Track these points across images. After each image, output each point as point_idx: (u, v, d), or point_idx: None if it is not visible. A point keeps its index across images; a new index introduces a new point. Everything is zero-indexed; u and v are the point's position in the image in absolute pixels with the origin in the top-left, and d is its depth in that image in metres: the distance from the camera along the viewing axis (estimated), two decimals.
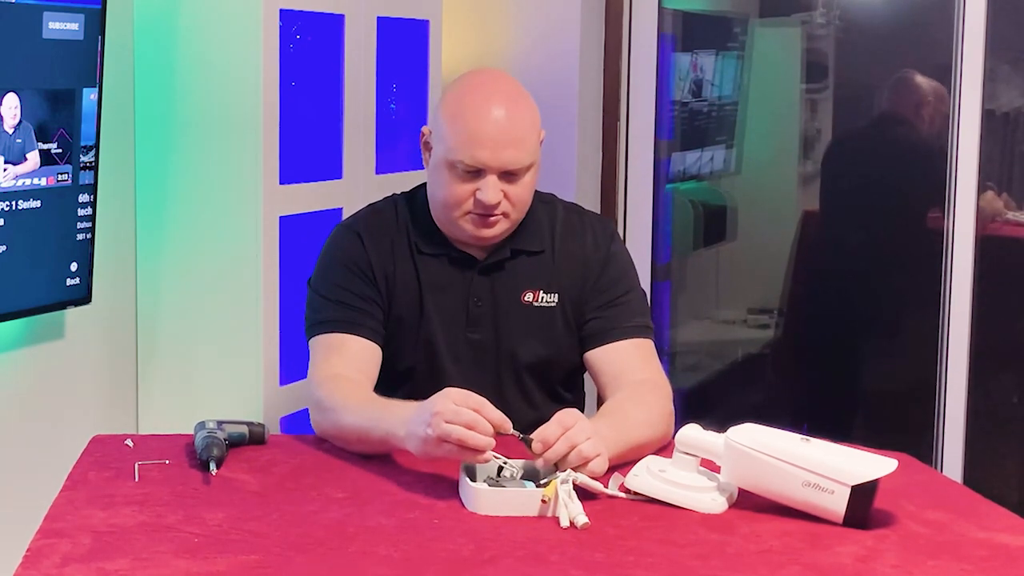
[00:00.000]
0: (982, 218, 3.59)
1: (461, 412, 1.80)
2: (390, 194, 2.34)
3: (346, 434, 2.02)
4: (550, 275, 2.24)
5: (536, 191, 2.28)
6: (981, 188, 3.55)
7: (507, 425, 1.82)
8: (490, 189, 2.11)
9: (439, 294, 2.23)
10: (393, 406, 1.99)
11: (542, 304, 2.23)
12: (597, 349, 2.22)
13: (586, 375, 2.33)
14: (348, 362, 2.15)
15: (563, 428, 1.84)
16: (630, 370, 2.18)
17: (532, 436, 1.84)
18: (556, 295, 2.24)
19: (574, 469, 1.81)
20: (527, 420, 2.15)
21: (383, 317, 2.21)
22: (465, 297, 2.23)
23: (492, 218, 2.15)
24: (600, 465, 1.84)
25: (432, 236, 2.23)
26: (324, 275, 2.25)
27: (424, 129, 2.23)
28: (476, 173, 2.11)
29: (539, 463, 1.84)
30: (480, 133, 2.10)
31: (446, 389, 1.87)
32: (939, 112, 3.83)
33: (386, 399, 2.04)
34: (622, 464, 1.91)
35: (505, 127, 2.10)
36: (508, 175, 2.12)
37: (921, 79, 3.94)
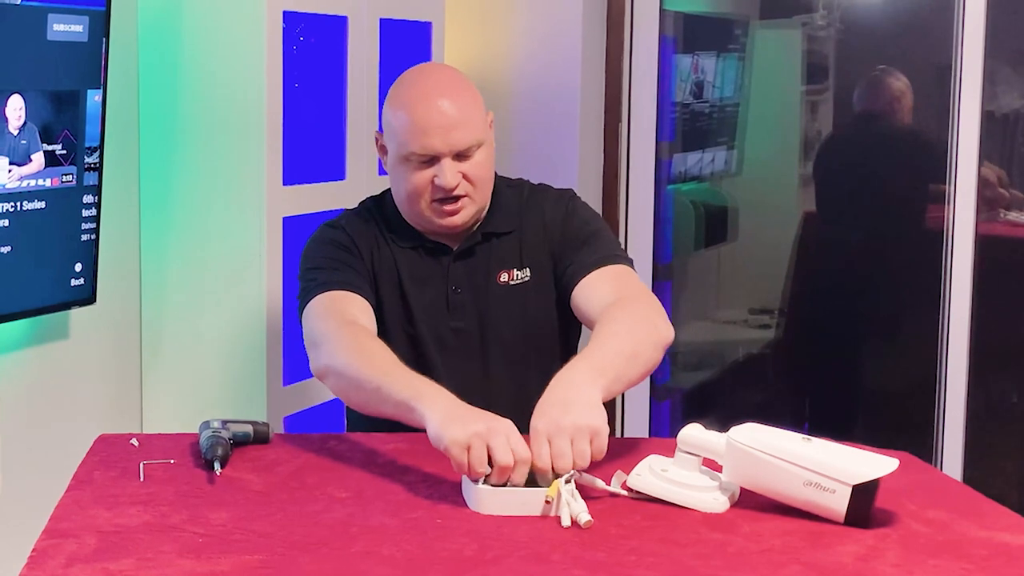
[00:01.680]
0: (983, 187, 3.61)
1: (507, 469, 1.76)
2: (363, 199, 2.37)
3: (358, 381, 1.97)
4: (520, 252, 2.27)
5: (505, 177, 2.32)
6: (981, 189, 3.57)
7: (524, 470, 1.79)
8: (446, 172, 2.15)
9: (419, 286, 2.26)
10: (425, 380, 1.93)
11: (517, 282, 2.27)
12: (575, 290, 2.21)
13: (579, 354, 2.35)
14: (351, 310, 2.13)
15: (544, 447, 1.79)
16: (605, 295, 2.16)
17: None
18: (528, 269, 2.27)
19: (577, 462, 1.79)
20: (519, 404, 2.16)
21: (372, 293, 2.22)
22: (444, 286, 2.26)
23: (456, 203, 2.18)
24: (601, 446, 1.79)
25: (405, 232, 2.27)
26: (311, 256, 2.26)
27: (376, 134, 2.29)
28: (430, 161, 2.17)
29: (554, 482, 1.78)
30: (426, 122, 2.15)
31: (512, 428, 1.80)
32: (912, 106, 3.89)
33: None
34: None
35: (448, 112, 2.15)
36: (461, 156, 2.17)
37: (893, 76, 3.98)
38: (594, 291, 2.18)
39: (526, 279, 2.27)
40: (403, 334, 2.25)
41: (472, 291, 2.26)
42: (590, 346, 1.99)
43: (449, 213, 2.19)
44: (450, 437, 1.78)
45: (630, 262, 2.26)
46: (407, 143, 2.17)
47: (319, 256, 2.25)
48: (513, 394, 2.23)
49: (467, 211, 2.21)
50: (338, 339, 2.05)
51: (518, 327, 2.27)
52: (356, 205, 2.38)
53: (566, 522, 1.72)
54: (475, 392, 2.12)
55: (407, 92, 2.21)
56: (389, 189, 2.32)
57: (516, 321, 2.27)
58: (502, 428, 1.79)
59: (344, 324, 2.09)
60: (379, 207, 2.33)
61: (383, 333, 2.23)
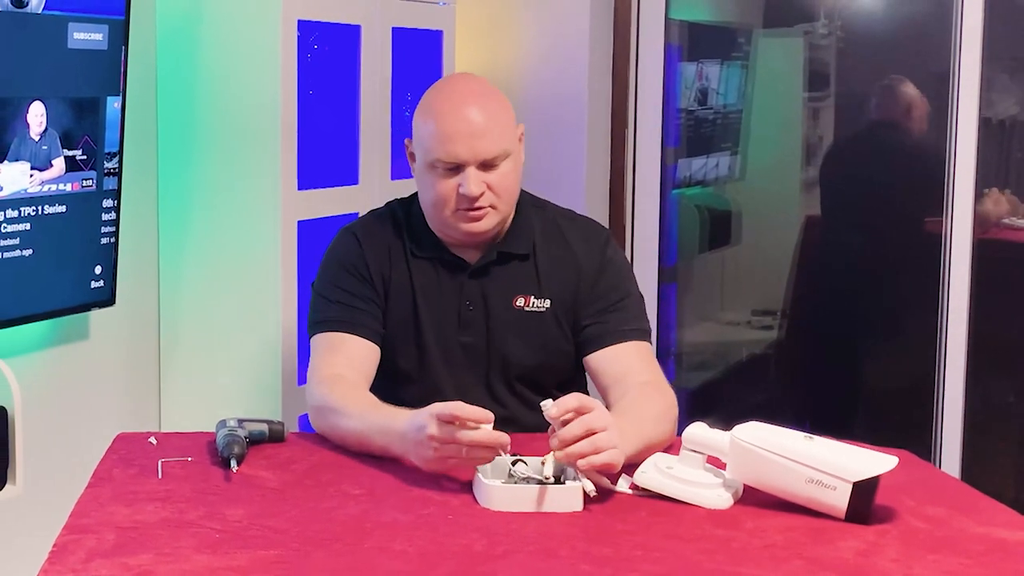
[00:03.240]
0: (986, 219, 3.63)
1: (449, 431, 1.82)
2: (391, 199, 2.38)
3: (346, 438, 2.04)
4: (539, 280, 2.27)
5: (531, 195, 2.32)
6: (979, 194, 3.59)
7: (487, 415, 1.83)
8: (471, 181, 2.16)
9: (432, 297, 2.26)
10: (392, 418, 1.98)
11: (533, 309, 2.26)
12: (597, 353, 2.23)
13: (588, 379, 2.34)
14: (346, 361, 2.18)
15: (580, 415, 1.82)
16: (633, 372, 2.18)
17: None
18: (547, 300, 2.26)
19: (586, 457, 1.79)
20: (520, 423, 2.17)
21: (381, 316, 2.25)
22: (457, 301, 2.26)
23: (480, 210, 2.18)
24: (615, 457, 1.82)
25: (426, 240, 2.27)
26: (324, 276, 2.29)
27: (406, 141, 2.29)
28: (455, 169, 2.17)
29: (553, 443, 1.81)
30: (452, 130, 2.16)
31: (431, 408, 1.86)
32: (927, 115, 3.89)
33: (385, 407, 2.05)
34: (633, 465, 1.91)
35: (474, 120, 2.16)
36: (486, 165, 2.17)
37: (907, 84, 3.99)
38: (620, 360, 2.21)
39: (543, 309, 2.26)
40: (412, 344, 2.26)
41: (485, 309, 2.26)
42: (633, 417, 1.99)
43: (473, 219, 2.19)
44: (432, 472, 1.88)
45: (650, 336, 2.29)
46: (433, 150, 2.17)
47: (328, 282, 2.27)
48: (514, 412, 2.25)
49: (491, 219, 2.20)
50: (324, 403, 2.11)
51: (530, 352, 2.27)
52: (383, 205, 2.37)
53: (590, 488, 1.77)
54: (478, 405, 2.15)
55: (436, 100, 2.22)
56: (417, 193, 2.32)
57: (529, 346, 2.26)
58: (435, 443, 1.84)
59: (326, 382, 2.14)
60: (406, 210, 2.32)
61: (392, 342, 2.25)
